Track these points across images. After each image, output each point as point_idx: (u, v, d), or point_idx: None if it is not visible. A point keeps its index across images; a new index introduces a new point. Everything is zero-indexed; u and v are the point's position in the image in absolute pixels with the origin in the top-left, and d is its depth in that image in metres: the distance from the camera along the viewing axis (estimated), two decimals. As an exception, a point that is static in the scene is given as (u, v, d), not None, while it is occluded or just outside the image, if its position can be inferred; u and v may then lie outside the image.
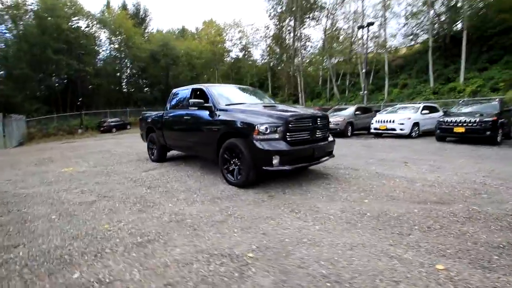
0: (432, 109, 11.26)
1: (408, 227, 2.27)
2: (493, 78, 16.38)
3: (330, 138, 4.10)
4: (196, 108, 4.15)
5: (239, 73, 44.21)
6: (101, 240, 2.19)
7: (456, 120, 7.95)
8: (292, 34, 36.17)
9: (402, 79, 24.34)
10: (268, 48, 40.79)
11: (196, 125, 4.34)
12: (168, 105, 5.37)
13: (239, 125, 3.51)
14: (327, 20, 32.65)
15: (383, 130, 10.49)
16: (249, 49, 43.04)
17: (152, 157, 6.04)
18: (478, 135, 7.63)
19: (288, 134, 3.34)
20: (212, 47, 41.93)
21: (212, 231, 2.29)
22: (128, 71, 37.36)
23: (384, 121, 10.41)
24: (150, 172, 4.93)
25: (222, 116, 3.82)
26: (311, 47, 36.28)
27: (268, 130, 3.27)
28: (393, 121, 10.10)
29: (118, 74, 36.22)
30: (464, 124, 7.72)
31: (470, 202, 2.81)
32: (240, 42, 43.29)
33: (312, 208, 2.76)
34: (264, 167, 3.31)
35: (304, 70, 33.53)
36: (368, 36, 23.24)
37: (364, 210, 2.67)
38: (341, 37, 32.74)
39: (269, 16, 36.97)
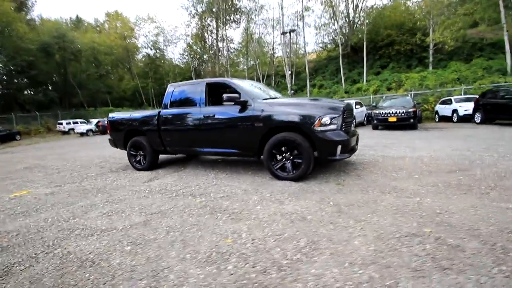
0: (360, 105, 13.64)
1: (478, 188, 2.84)
2: (386, 80, 21.07)
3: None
4: (233, 103, 3.76)
5: (158, 72, 40.83)
6: (254, 254, 1.81)
7: (389, 112, 9.95)
8: (214, 35, 36.04)
9: (318, 80, 28.11)
10: (188, 47, 39.25)
11: (227, 123, 3.93)
12: (167, 103, 4.60)
13: (295, 118, 3.43)
14: (247, 24, 34.10)
15: (329, 123, 11.97)
16: (161, 47, 40.12)
17: (138, 165, 5.05)
18: (404, 123, 9.80)
19: (343, 124, 3.51)
20: (124, 42, 37.14)
21: (350, 221, 2.24)
22: (5, 66, 28.55)
23: (330, 116, 11.89)
24: (157, 181, 4.15)
25: (267, 111, 3.62)
26: (234, 49, 37.09)
27: (329, 121, 3.36)
28: (338, 115, 11.68)
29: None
30: (396, 114, 9.77)
31: (480, 167, 3.70)
32: (157, 40, 40.01)
33: (394, 187, 3.04)
34: (329, 157, 3.39)
35: (231, 70, 33.94)
36: (290, 41, 25.71)
37: (430, 182, 3.15)
38: (261, 41, 34.86)
39: (189, 14, 35.65)
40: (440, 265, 1.55)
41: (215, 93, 4.51)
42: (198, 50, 39.30)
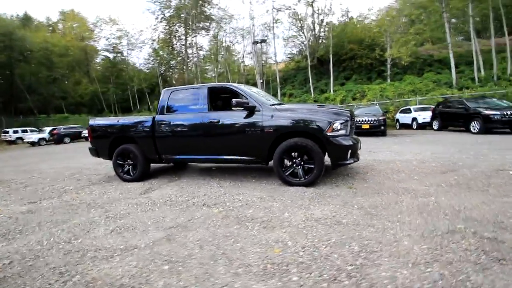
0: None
1: (476, 186, 3.14)
2: (351, 90, 22.61)
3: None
4: (242, 109, 3.67)
5: (121, 76, 38.53)
6: (313, 262, 1.74)
7: (362, 119, 10.64)
8: (183, 41, 35.26)
9: (288, 89, 29.08)
10: (154, 53, 37.84)
11: (234, 129, 3.80)
12: (163, 108, 4.31)
13: (308, 123, 3.46)
14: (217, 32, 34.14)
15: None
16: (125, 51, 38.14)
17: (126, 176, 4.61)
18: (376, 130, 10.56)
19: (350, 129, 3.64)
20: (82, 43, 34.43)
21: (385, 222, 2.29)
22: None
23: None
24: (155, 193, 3.83)
25: (277, 116, 3.60)
26: (203, 55, 36.66)
27: (340, 127, 3.46)
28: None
29: None
30: (369, 122, 10.49)
31: (466, 168, 4.10)
32: (120, 43, 37.91)
33: (405, 189, 3.21)
34: (340, 162, 3.47)
35: (200, 77, 33.39)
36: (261, 51, 26.36)
37: (432, 183, 3.40)
38: (231, 49, 35.16)
39: (156, 18, 34.51)
40: (494, 256, 1.66)
41: (216, 98, 4.37)
42: (165, 55, 38.06)
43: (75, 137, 20.51)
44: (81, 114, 31.26)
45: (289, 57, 33.14)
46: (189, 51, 35.04)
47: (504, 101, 10.83)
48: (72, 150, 13.13)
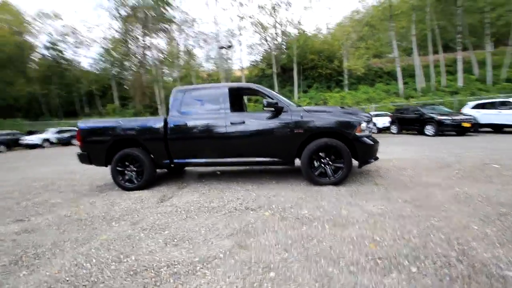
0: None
1: (480, 177, 3.62)
2: (313, 97, 24.00)
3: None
4: (273, 109, 3.59)
5: (65, 77, 34.29)
6: (420, 253, 1.78)
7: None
8: (141, 42, 33.09)
9: (254, 96, 29.52)
10: (106, 53, 34.76)
11: (261, 130, 3.69)
12: (177, 109, 3.97)
13: (338, 124, 3.56)
14: (180, 35, 33.01)
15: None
16: (71, 49, 34.34)
17: (128, 184, 4.10)
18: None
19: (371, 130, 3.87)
20: (17, 38, 29.78)
21: (440, 213, 2.48)
22: None
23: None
24: (176, 200, 3.48)
25: (307, 117, 3.63)
26: (164, 58, 34.84)
27: (365, 127, 3.65)
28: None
29: None
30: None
31: (456, 163, 4.68)
32: (65, 40, 33.90)
33: (426, 182, 3.52)
34: (368, 160, 3.65)
35: (162, 80, 31.68)
36: (227, 56, 26.31)
37: (442, 176, 3.80)
38: (193, 54, 34.25)
39: (110, 16, 31.81)
40: (558, 233, 1.93)
41: (233, 99, 4.22)
42: (118, 56, 35.15)
43: (12, 144, 17.46)
44: (15, 118, 26.76)
45: (253, 64, 33.66)
46: (148, 53, 33.03)
47: (446, 108, 12.76)
48: (17, 159, 11.13)
